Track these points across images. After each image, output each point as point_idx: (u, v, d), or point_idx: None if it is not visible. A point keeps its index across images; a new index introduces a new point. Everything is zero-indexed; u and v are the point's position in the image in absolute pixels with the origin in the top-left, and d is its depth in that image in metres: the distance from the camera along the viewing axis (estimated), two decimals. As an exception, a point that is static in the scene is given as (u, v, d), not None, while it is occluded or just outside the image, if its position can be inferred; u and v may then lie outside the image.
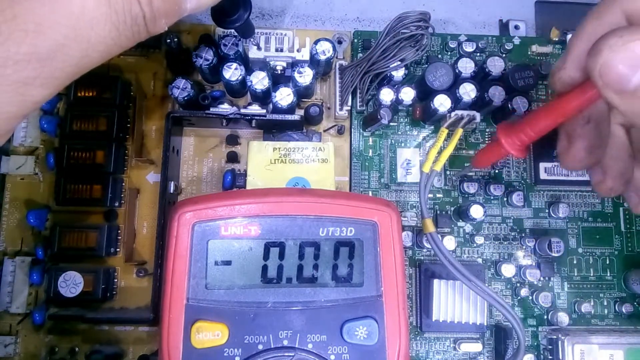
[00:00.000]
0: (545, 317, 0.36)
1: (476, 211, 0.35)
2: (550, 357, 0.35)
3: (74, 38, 0.21)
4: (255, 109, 0.34)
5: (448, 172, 0.38)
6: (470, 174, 0.38)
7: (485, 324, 0.34)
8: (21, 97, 0.21)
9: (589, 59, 0.20)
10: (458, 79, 0.36)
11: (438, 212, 0.37)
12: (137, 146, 0.36)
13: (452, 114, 0.34)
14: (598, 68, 0.20)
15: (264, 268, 0.28)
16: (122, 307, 0.34)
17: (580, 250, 0.37)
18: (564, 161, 0.28)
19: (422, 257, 0.36)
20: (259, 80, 0.33)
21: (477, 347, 0.35)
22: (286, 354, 0.27)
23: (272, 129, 0.36)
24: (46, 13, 0.20)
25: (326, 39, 0.34)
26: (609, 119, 0.27)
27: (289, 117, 0.34)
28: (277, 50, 0.35)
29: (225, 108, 0.34)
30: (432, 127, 0.38)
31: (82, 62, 0.22)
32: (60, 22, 0.21)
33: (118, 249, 0.35)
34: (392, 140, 0.38)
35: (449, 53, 0.39)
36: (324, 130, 0.38)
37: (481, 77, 0.37)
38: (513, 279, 0.36)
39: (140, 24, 0.23)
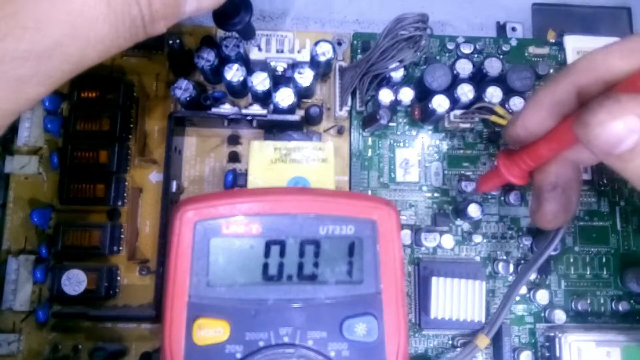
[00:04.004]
0: (543, 314, 0.36)
1: (474, 210, 0.35)
2: (547, 354, 0.35)
3: (73, 36, 0.21)
4: (256, 109, 0.34)
5: (446, 172, 0.38)
6: (469, 173, 0.38)
7: (484, 321, 0.34)
8: (17, 94, 0.21)
9: (578, 129, 0.22)
10: (456, 80, 0.36)
11: (436, 210, 0.37)
12: (140, 146, 0.36)
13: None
14: (586, 139, 0.21)
15: (265, 266, 0.28)
16: (125, 304, 0.34)
17: (577, 248, 0.38)
18: (534, 220, 0.30)
19: (420, 255, 0.37)
20: (260, 81, 0.34)
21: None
22: (287, 351, 0.27)
23: (273, 129, 0.37)
24: (46, 10, 0.20)
25: (326, 41, 0.35)
26: (576, 186, 0.29)
27: (289, 117, 0.35)
28: (277, 51, 0.36)
29: (226, 108, 0.34)
30: (431, 127, 0.39)
31: (79, 61, 0.22)
32: (60, 19, 0.21)
33: (121, 248, 0.35)
34: (391, 140, 0.39)
35: (447, 54, 0.40)
36: (324, 131, 0.38)
37: (479, 78, 0.37)
38: (510, 277, 0.37)
39: (139, 26, 0.23)
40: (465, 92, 0.35)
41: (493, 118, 0.34)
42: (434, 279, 0.34)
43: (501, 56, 0.39)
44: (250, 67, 0.36)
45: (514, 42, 0.40)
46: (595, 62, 0.24)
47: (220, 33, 0.37)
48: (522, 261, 0.37)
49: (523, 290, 0.36)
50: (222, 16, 0.30)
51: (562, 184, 0.28)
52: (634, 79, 0.22)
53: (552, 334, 0.35)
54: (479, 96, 0.36)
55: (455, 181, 0.38)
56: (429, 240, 0.36)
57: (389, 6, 0.43)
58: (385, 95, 0.36)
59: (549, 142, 0.26)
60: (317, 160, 0.35)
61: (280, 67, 0.36)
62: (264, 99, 0.35)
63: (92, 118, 0.34)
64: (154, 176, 0.36)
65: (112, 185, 0.34)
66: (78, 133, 0.34)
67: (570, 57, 0.39)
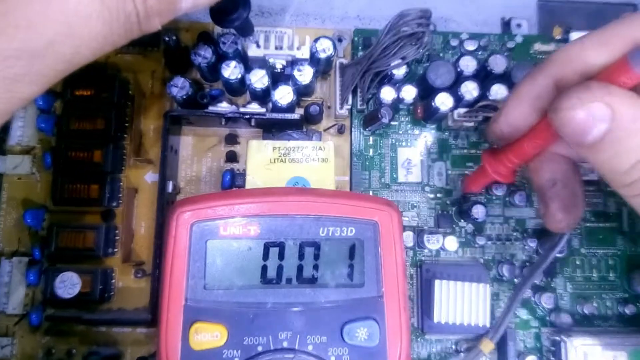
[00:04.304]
0: (548, 318, 0.36)
1: (478, 211, 0.35)
2: (552, 359, 0.35)
3: (67, 34, 0.21)
4: (254, 107, 0.34)
5: (449, 172, 0.38)
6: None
7: (488, 325, 0.33)
8: (9, 93, 0.21)
9: (551, 114, 0.22)
10: (460, 78, 0.36)
11: (439, 212, 0.37)
12: (135, 145, 0.36)
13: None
14: (558, 124, 0.22)
15: (264, 268, 0.28)
16: (120, 308, 0.34)
17: (583, 250, 0.37)
18: (546, 223, 0.30)
19: (423, 258, 0.36)
20: (259, 79, 0.33)
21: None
22: (286, 356, 0.27)
23: (272, 128, 0.36)
24: (39, 9, 0.20)
25: (326, 37, 0.34)
26: (576, 178, 0.29)
27: (288, 116, 0.34)
28: (276, 48, 0.35)
29: (224, 107, 0.34)
30: (434, 126, 0.38)
31: (73, 59, 0.22)
32: (53, 18, 0.20)
33: (116, 250, 0.34)
34: (393, 140, 0.38)
35: (451, 51, 0.39)
36: (324, 130, 0.37)
37: (483, 76, 0.37)
38: (515, 280, 0.36)
39: (133, 22, 0.23)
40: (469, 89, 0.35)
41: None
42: (437, 282, 0.34)
43: (506, 53, 0.39)
44: (248, 64, 0.36)
45: (519, 39, 0.39)
46: (571, 54, 0.24)
47: (218, 29, 0.37)
48: (527, 264, 0.36)
49: (528, 293, 0.36)
50: (219, 12, 0.30)
51: (561, 178, 0.28)
52: (609, 73, 0.22)
53: (557, 338, 0.34)
54: (483, 94, 0.35)
55: (459, 181, 0.37)
56: (432, 242, 0.35)
57: (391, 2, 0.42)
58: (387, 93, 0.35)
59: (532, 138, 0.26)
60: (317, 160, 0.34)
61: (279, 65, 0.35)
62: (263, 97, 0.35)
63: (86, 117, 0.34)
64: (150, 176, 0.36)
65: (106, 185, 0.34)
66: (72, 132, 0.34)
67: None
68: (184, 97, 0.33)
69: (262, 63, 0.36)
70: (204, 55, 0.33)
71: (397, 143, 0.38)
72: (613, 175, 0.22)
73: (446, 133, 0.38)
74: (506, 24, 0.42)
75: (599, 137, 0.21)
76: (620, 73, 0.21)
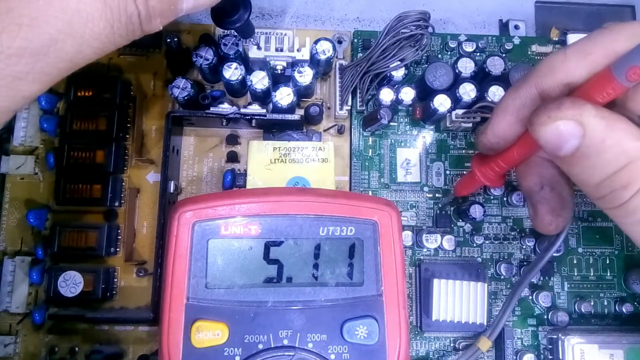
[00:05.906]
0: (546, 316, 0.36)
1: (476, 211, 0.35)
2: (550, 357, 0.35)
3: (69, 33, 0.21)
4: (255, 108, 0.34)
5: (448, 173, 0.38)
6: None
7: (485, 323, 0.34)
8: (12, 92, 0.21)
9: (530, 126, 0.23)
10: (458, 79, 0.36)
11: (438, 211, 0.37)
12: (137, 146, 0.36)
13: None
14: (535, 137, 0.22)
15: (264, 267, 0.28)
16: (122, 306, 0.34)
17: (580, 249, 0.37)
18: (535, 226, 0.30)
19: (422, 257, 0.36)
20: (259, 80, 0.33)
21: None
22: (286, 354, 0.27)
23: (272, 129, 0.36)
24: (42, 7, 0.20)
25: (326, 39, 0.34)
26: (564, 181, 0.29)
27: (289, 116, 0.34)
28: (277, 50, 0.35)
29: (225, 108, 0.34)
30: (432, 127, 0.38)
31: (75, 58, 0.22)
32: (56, 16, 0.20)
33: (118, 249, 0.34)
34: (392, 140, 0.38)
35: (449, 53, 0.39)
36: (324, 130, 0.38)
37: (481, 77, 0.37)
38: (513, 279, 0.36)
39: (135, 23, 0.23)
40: (467, 91, 0.35)
41: None
42: (435, 282, 0.34)
43: (504, 54, 0.39)
44: (249, 65, 0.36)
45: (516, 41, 0.40)
46: (554, 65, 0.24)
47: (219, 31, 0.37)
48: (525, 263, 0.37)
49: (525, 292, 0.36)
50: (220, 14, 0.30)
51: (548, 181, 0.28)
52: (593, 84, 0.22)
53: (554, 337, 0.34)
54: (481, 95, 0.35)
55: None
56: (430, 242, 0.35)
57: (390, 4, 0.43)
58: (386, 95, 0.35)
59: (520, 147, 0.27)
60: (317, 160, 0.34)
61: (279, 66, 0.35)
62: (263, 98, 0.35)
63: (89, 117, 0.34)
64: (152, 176, 0.36)
65: (109, 185, 0.34)
66: (74, 132, 0.34)
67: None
68: (186, 98, 0.33)
69: (263, 64, 0.36)
70: (205, 56, 0.34)
71: (396, 143, 0.38)
72: (585, 187, 0.23)
73: (444, 134, 0.38)
74: (504, 26, 0.42)
75: (570, 152, 0.22)
76: (604, 84, 0.21)
